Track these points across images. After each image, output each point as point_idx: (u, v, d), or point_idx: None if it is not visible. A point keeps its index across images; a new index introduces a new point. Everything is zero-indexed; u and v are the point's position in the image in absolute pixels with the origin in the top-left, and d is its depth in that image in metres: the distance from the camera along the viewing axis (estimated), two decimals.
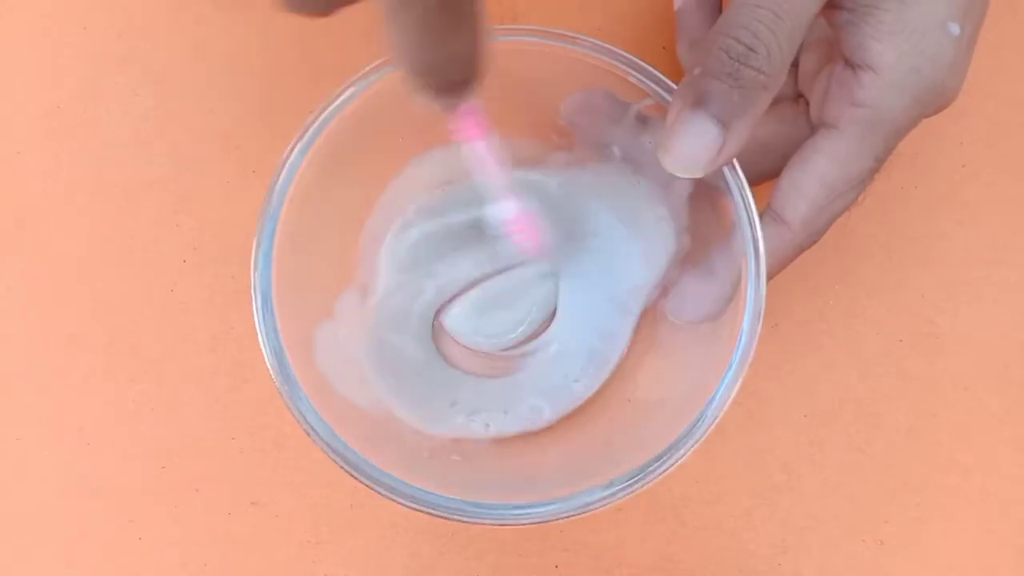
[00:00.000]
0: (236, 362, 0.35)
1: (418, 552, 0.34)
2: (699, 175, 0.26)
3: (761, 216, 0.28)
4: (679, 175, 0.26)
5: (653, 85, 0.29)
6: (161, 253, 0.35)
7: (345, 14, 0.38)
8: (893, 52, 0.27)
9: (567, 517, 0.27)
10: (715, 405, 0.27)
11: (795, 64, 0.32)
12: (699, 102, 0.25)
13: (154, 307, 0.35)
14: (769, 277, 0.29)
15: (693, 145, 0.25)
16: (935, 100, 0.28)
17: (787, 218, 0.28)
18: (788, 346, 0.35)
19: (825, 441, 0.35)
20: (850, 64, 0.28)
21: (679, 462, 0.27)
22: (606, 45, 0.29)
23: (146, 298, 0.35)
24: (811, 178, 0.28)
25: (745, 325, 0.27)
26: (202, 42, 0.37)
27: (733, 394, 0.27)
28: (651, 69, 0.29)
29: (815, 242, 0.30)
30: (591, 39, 0.29)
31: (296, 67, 0.37)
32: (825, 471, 0.34)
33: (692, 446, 0.27)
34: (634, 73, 0.29)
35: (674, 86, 0.29)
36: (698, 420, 0.27)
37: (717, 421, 0.27)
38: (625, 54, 0.29)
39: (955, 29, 0.27)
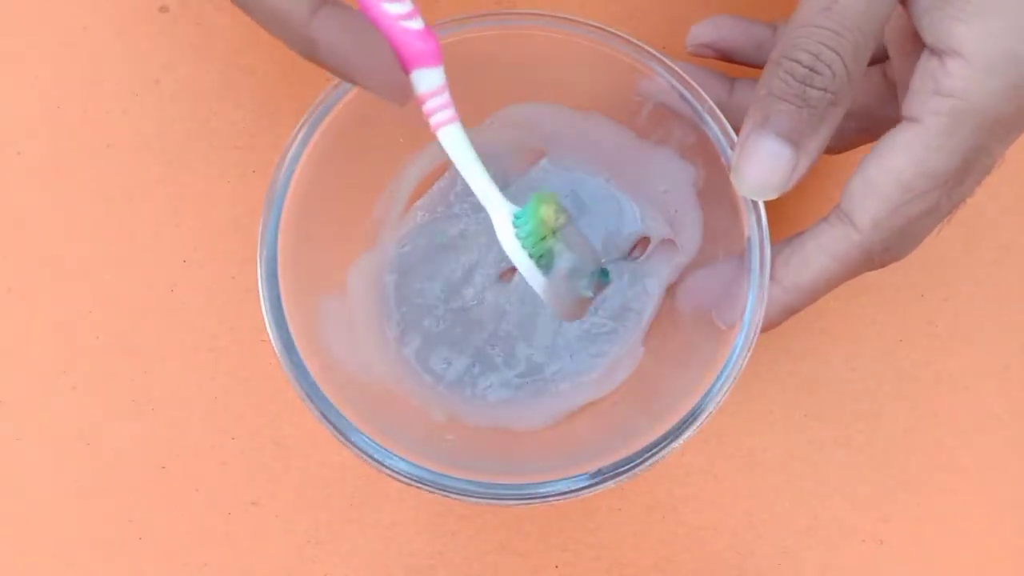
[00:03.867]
0: (236, 362, 0.35)
1: (418, 552, 0.34)
2: (771, 197, 0.26)
3: (827, 216, 0.27)
4: (752, 198, 0.26)
5: (658, 67, 0.29)
6: (161, 253, 0.35)
7: None
8: (982, 34, 0.24)
9: (549, 500, 0.27)
10: (711, 400, 0.27)
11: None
12: (767, 123, 0.25)
13: (154, 307, 0.35)
14: (835, 285, 0.27)
15: (765, 168, 0.25)
16: None
17: (856, 219, 0.26)
18: (788, 346, 0.35)
19: (825, 441, 0.35)
20: (935, 52, 0.25)
21: (669, 453, 0.27)
22: (609, 28, 0.29)
23: (146, 298, 0.35)
24: (885, 174, 0.25)
25: (745, 322, 0.27)
26: (202, 42, 0.37)
27: (728, 389, 0.27)
28: (653, 51, 0.29)
29: (896, 256, 0.27)
30: (593, 22, 0.29)
31: (296, 67, 0.37)
32: (825, 471, 0.34)
33: (685, 438, 0.27)
34: (635, 55, 0.29)
35: (682, 73, 0.29)
36: (692, 414, 0.27)
37: (711, 415, 0.27)
38: (630, 37, 0.29)
39: None
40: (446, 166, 0.34)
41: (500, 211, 0.28)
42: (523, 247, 0.27)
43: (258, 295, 0.28)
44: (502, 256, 0.34)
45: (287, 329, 0.28)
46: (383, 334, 0.33)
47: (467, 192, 0.34)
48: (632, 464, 0.27)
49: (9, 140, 0.36)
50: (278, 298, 0.28)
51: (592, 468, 0.27)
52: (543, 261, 0.28)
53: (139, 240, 0.36)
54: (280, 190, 0.28)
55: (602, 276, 0.29)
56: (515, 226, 0.27)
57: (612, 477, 0.27)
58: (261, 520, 0.34)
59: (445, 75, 0.26)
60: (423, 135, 0.33)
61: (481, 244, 0.34)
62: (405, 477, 0.27)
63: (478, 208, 0.34)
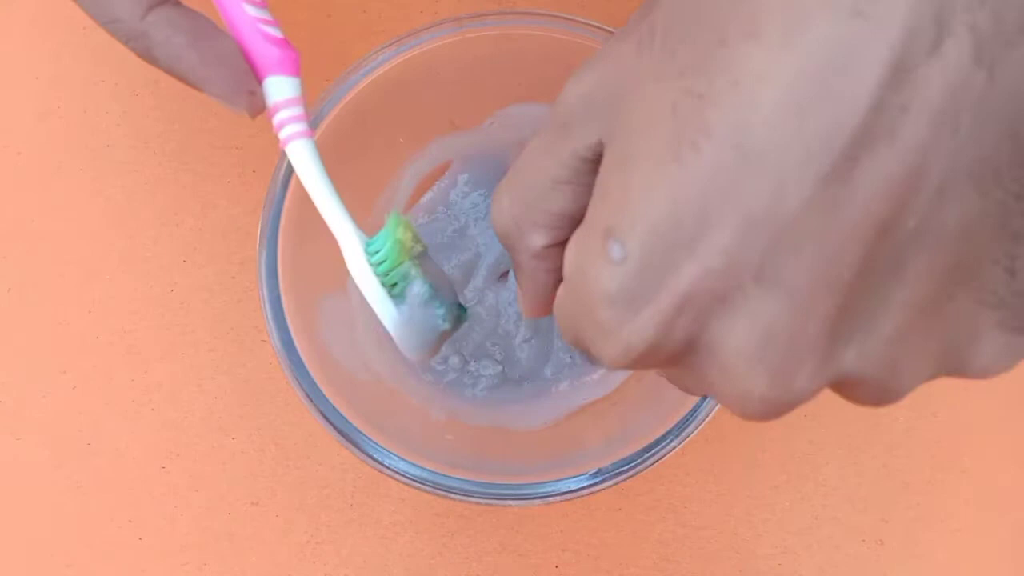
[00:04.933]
0: (236, 362, 0.35)
1: (418, 552, 0.34)
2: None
3: None
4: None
5: None
6: (161, 253, 0.35)
7: (342, 14, 0.38)
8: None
9: (549, 500, 0.27)
10: (711, 400, 0.27)
11: None
12: None
13: (154, 307, 0.35)
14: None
15: None
16: None
17: None
18: None
19: (825, 441, 0.35)
20: None
21: (669, 453, 0.27)
22: (609, 28, 0.29)
23: (146, 298, 0.35)
24: None
25: None
26: None
27: None
28: None
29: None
30: (592, 21, 0.29)
31: None
32: (825, 471, 0.34)
33: (685, 438, 0.27)
34: None
35: None
36: (692, 413, 0.27)
37: (711, 415, 0.27)
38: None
39: None
40: (446, 166, 0.34)
41: (349, 235, 0.26)
42: (375, 273, 0.25)
43: (258, 295, 0.28)
44: (502, 256, 0.34)
45: (287, 329, 0.28)
46: (383, 334, 0.33)
47: (467, 192, 0.34)
48: (632, 464, 0.27)
49: (9, 140, 0.36)
50: (278, 298, 0.28)
51: (592, 468, 0.27)
52: (396, 290, 0.26)
53: (139, 240, 0.36)
54: (280, 190, 0.28)
55: (460, 310, 0.27)
56: (368, 252, 0.26)
57: (612, 477, 0.27)
58: (261, 520, 0.34)
59: (302, 88, 0.25)
60: (423, 135, 0.33)
61: (480, 244, 0.34)
62: (405, 477, 0.27)
63: (478, 209, 0.34)
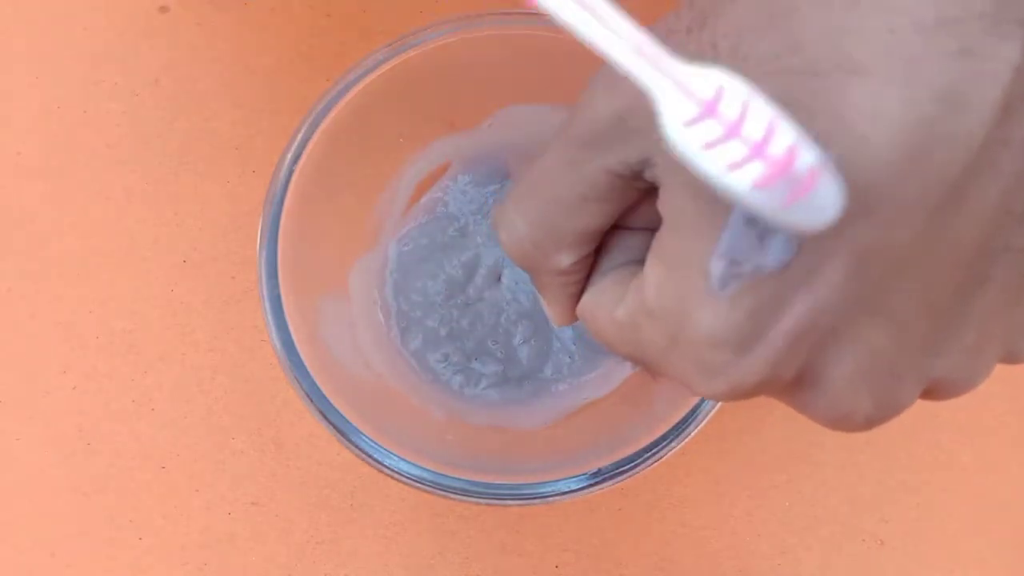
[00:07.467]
0: (236, 362, 0.35)
1: (418, 552, 0.34)
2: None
3: None
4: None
5: None
6: (161, 253, 0.35)
7: (342, 14, 0.38)
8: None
9: (549, 500, 0.27)
10: (711, 400, 0.27)
11: None
12: None
13: (154, 307, 0.35)
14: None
15: None
16: None
17: None
18: None
19: (825, 441, 0.35)
20: None
21: (669, 453, 0.27)
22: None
23: (146, 298, 0.35)
24: None
25: None
26: (202, 42, 0.37)
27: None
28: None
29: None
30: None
31: (296, 67, 0.37)
32: (825, 471, 0.34)
33: (684, 439, 0.27)
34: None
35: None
36: (693, 413, 0.27)
37: (711, 415, 0.27)
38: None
39: None
40: (446, 166, 0.34)
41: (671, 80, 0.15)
42: None
43: (258, 295, 0.28)
44: (502, 256, 0.34)
45: (287, 329, 0.28)
46: (383, 333, 0.33)
47: (467, 192, 0.34)
48: (632, 464, 0.27)
49: (9, 140, 0.36)
50: (278, 298, 0.28)
51: (592, 468, 0.27)
52: None
53: (139, 240, 0.36)
54: (280, 190, 0.28)
55: None
56: None
57: (612, 477, 0.27)
58: (261, 520, 0.34)
59: None
60: (423, 135, 0.33)
61: (480, 244, 0.34)
62: (405, 477, 0.27)
63: (478, 209, 0.34)
